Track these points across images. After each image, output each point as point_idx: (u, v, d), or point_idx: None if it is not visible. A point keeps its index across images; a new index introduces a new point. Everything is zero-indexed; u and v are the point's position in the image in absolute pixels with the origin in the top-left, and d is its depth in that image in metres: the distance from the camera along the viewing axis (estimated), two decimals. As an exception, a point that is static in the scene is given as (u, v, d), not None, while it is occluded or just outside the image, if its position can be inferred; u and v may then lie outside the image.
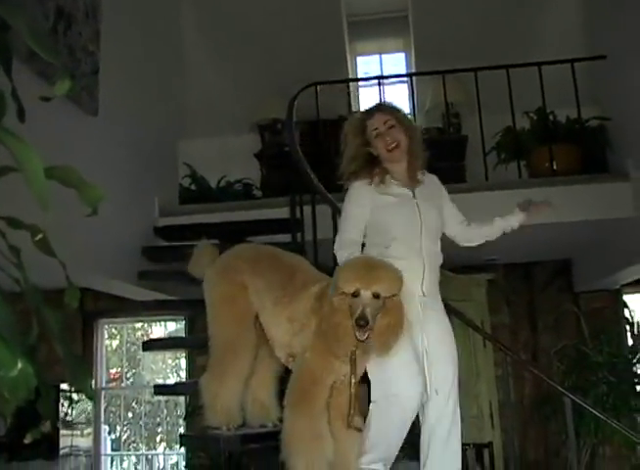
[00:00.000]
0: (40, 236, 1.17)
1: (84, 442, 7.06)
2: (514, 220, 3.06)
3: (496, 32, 6.59)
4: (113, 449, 7.62)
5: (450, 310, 3.10)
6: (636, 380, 5.61)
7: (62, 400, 6.67)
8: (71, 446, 6.80)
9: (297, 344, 2.56)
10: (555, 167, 5.33)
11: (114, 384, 7.77)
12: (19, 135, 1.07)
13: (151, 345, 4.08)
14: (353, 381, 2.52)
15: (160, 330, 8.07)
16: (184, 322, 7.34)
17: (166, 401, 7.71)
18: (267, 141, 6.69)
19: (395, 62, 7.80)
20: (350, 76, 7.26)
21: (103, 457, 7.41)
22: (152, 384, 4.16)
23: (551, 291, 6.74)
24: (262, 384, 2.87)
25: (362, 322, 2.30)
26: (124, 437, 7.74)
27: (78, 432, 6.99)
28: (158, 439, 7.79)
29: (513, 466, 4.33)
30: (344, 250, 2.76)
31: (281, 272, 2.71)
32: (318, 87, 5.47)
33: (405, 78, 6.92)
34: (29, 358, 1.04)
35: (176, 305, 4.87)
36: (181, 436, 3.20)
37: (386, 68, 7.70)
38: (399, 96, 7.11)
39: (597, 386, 5.51)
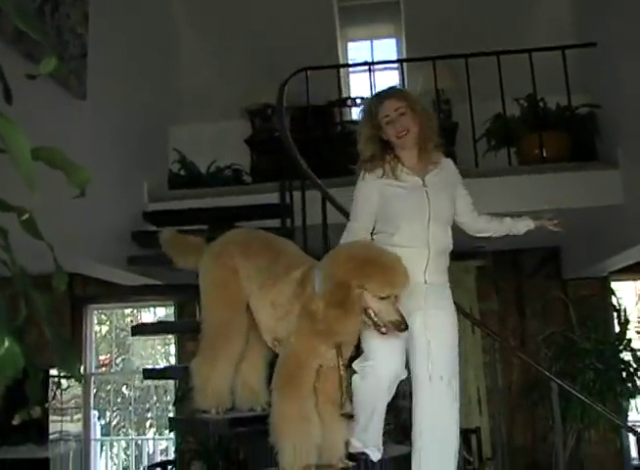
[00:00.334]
0: (26, 216, 1.16)
1: (74, 427, 7.06)
2: (523, 225, 3.08)
3: (487, 19, 6.58)
4: (102, 435, 7.64)
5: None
6: (622, 366, 5.65)
7: (51, 386, 6.67)
8: (61, 431, 6.80)
9: (282, 329, 2.56)
10: (545, 155, 5.34)
11: (103, 369, 7.77)
12: (5, 115, 1.07)
13: (140, 329, 4.08)
14: (342, 368, 2.55)
15: (149, 316, 8.06)
16: (173, 308, 7.34)
17: (156, 387, 7.73)
18: (257, 127, 6.67)
19: (386, 48, 7.78)
20: (341, 62, 7.23)
21: (92, 442, 7.42)
22: (141, 369, 4.18)
23: (539, 278, 6.78)
24: (252, 368, 2.88)
25: (403, 326, 2.38)
26: (114, 422, 7.76)
27: (68, 417, 6.99)
28: (147, 424, 7.81)
29: (500, 451, 4.37)
30: (349, 237, 2.84)
31: (268, 256, 2.71)
32: (308, 72, 5.46)
33: (396, 64, 6.90)
34: (17, 338, 1.03)
35: (166, 289, 4.87)
36: (170, 419, 3.20)
37: (376, 54, 7.67)
38: (390, 82, 7.09)
39: (584, 372, 5.56)
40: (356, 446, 2.72)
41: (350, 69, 7.40)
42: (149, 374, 3.73)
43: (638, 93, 4.80)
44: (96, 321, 7.82)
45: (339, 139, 6.08)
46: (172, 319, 7.31)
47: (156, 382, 7.65)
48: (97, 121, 4.46)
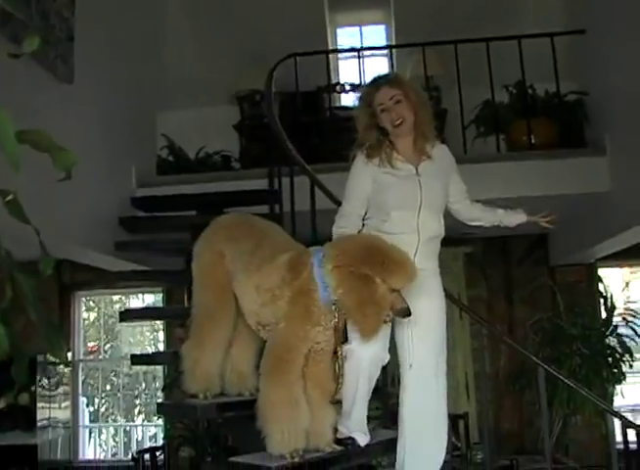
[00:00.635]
0: (11, 197, 1.16)
1: (62, 414, 7.06)
2: (516, 218, 3.10)
3: (477, 5, 6.56)
4: (91, 421, 7.64)
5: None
6: (609, 352, 5.70)
7: (39, 373, 6.66)
8: (49, 417, 6.80)
9: (268, 314, 2.56)
10: (533, 141, 5.36)
11: (91, 357, 7.76)
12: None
13: (128, 315, 4.06)
14: (339, 353, 2.57)
15: (137, 303, 8.04)
16: (162, 294, 7.34)
17: (145, 374, 7.72)
18: (246, 112, 6.65)
19: (376, 34, 7.75)
20: (330, 48, 7.20)
21: (81, 429, 7.43)
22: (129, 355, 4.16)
23: (527, 265, 6.81)
24: (242, 353, 2.88)
25: (409, 313, 2.42)
26: (102, 409, 7.75)
27: (56, 404, 6.99)
28: (136, 411, 7.81)
29: (487, 436, 4.41)
30: (341, 219, 2.88)
31: (252, 240, 2.71)
32: (297, 58, 5.44)
33: (385, 51, 6.88)
34: (2, 321, 1.03)
35: (154, 275, 4.85)
36: (159, 404, 3.20)
37: (365, 40, 7.64)
38: (379, 68, 7.07)
39: (571, 358, 5.60)
40: (342, 431, 2.74)
41: (339, 55, 7.38)
42: (137, 360, 3.73)
43: (626, 80, 4.81)
44: (84, 308, 7.80)
45: (327, 125, 6.07)
46: (161, 306, 7.31)
47: (144, 369, 7.65)
48: (84, 106, 4.42)
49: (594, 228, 5.48)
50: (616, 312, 5.99)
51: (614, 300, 6.06)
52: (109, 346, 7.94)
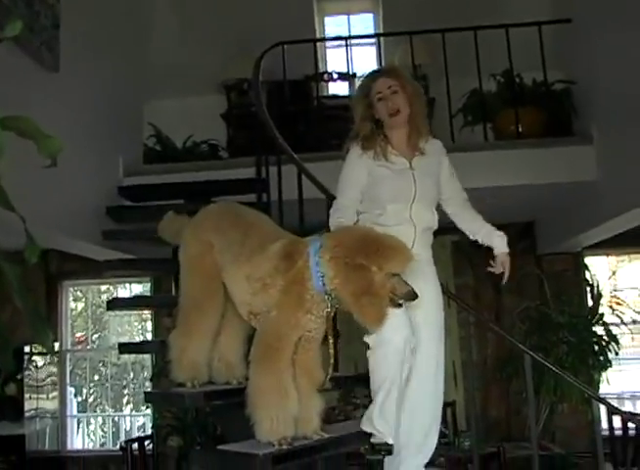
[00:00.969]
0: (-6, 181, 1.15)
1: (50, 404, 7.05)
2: (495, 242, 3.03)
3: (464, -6, 6.56)
4: (79, 411, 7.63)
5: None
6: (595, 340, 5.74)
7: (26, 363, 6.64)
8: (37, 408, 6.79)
9: (260, 303, 2.56)
10: (520, 130, 5.37)
11: (79, 347, 7.74)
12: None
13: (115, 303, 4.05)
14: (331, 341, 2.59)
15: (125, 293, 8.02)
16: (150, 284, 7.32)
17: (133, 364, 7.71)
18: (233, 101, 6.62)
19: (363, 23, 7.72)
20: (318, 37, 7.18)
21: (69, 419, 7.42)
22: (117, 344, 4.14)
23: (514, 253, 6.81)
24: (230, 342, 2.88)
25: (415, 295, 2.42)
26: (91, 399, 7.74)
27: (44, 394, 6.98)
28: (124, 401, 7.80)
29: (475, 424, 4.44)
30: (337, 213, 2.89)
31: (240, 229, 2.70)
32: (285, 47, 5.42)
33: (373, 39, 6.86)
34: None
35: (141, 264, 4.84)
36: (146, 393, 3.19)
37: (353, 29, 7.62)
38: (367, 57, 7.06)
39: (557, 346, 5.63)
40: (379, 432, 2.72)
41: (327, 43, 7.35)
42: (125, 349, 3.72)
43: (612, 69, 4.83)
44: (71, 298, 7.78)
45: (315, 114, 6.06)
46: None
47: (132, 358, 7.64)
48: (70, 94, 4.39)
49: (581, 217, 5.51)
50: (602, 300, 6.03)
51: (600, 288, 6.10)
52: (96, 336, 7.92)
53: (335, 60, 7.20)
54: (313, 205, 3.76)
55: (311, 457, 2.57)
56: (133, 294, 7.92)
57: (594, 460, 4.93)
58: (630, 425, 4.76)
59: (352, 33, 7.33)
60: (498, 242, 3.02)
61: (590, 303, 6.15)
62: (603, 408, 4.79)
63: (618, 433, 5.04)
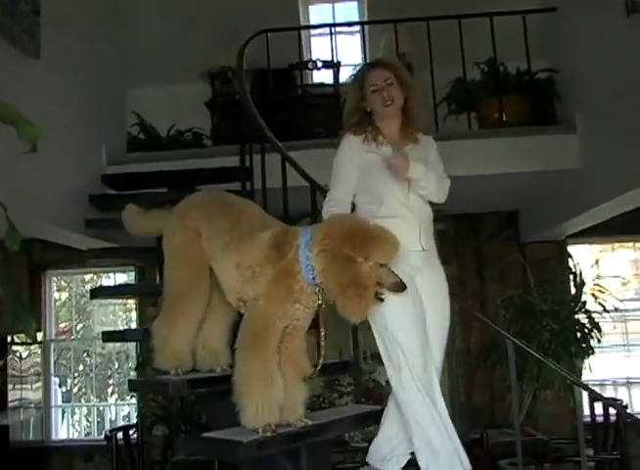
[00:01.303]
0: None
1: (34, 394, 7.03)
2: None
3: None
4: (63, 401, 7.60)
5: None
6: (577, 327, 5.78)
7: (10, 353, 6.61)
8: (21, 398, 6.76)
9: (249, 291, 2.56)
10: (504, 119, 5.39)
11: (63, 337, 7.70)
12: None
13: (99, 292, 4.03)
14: (323, 333, 2.58)
15: (109, 282, 7.98)
16: (134, 273, 7.29)
17: (117, 353, 7.69)
18: (218, 89, 6.58)
19: (348, 11, 7.70)
20: (302, 24, 7.15)
21: (53, 409, 7.39)
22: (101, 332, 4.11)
23: (498, 242, 6.87)
24: (214, 330, 2.87)
25: (403, 286, 2.41)
26: (75, 389, 7.72)
27: (28, 385, 6.95)
28: (109, 390, 7.79)
29: (459, 411, 4.47)
30: (330, 203, 2.88)
31: (228, 217, 2.69)
32: (269, 35, 5.39)
33: (357, 27, 6.85)
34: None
35: (125, 253, 4.82)
36: (130, 381, 3.19)
37: (338, 17, 7.59)
38: (352, 46, 7.05)
39: (541, 333, 5.67)
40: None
41: (312, 31, 7.32)
42: (108, 337, 3.70)
43: (595, 59, 4.85)
44: (55, 288, 7.73)
45: (299, 102, 6.04)
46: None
47: (117, 348, 7.63)
48: (52, 82, 4.35)
49: (564, 205, 5.54)
50: (585, 288, 6.07)
51: (583, 276, 6.14)
52: (81, 326, 7.89)
53: (319, 48, 7.18)
54: (297, 193, 3.76)
55: (295, 444, 2.58)
56: (117, 283, 7.89)
57: (576, 446, 4.98)
58: (612, 411, 4.81)
59: (337, 21, 7.31)
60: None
61: (573, 291, 6.19)
62: (585, 395, 4.83)
63: (600, 419, 5.09)
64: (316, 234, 2.45)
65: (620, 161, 4.46)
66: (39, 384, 7.13)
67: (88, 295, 7.34)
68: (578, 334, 5.74)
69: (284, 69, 6.38)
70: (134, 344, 7.03)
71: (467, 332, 6.65)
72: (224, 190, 3.28)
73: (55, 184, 4.27)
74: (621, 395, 6.90)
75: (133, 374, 7.05)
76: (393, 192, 2.81)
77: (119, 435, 5.06)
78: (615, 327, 7.01)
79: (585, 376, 5.90)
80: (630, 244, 7.39)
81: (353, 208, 2.95)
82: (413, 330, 2.70)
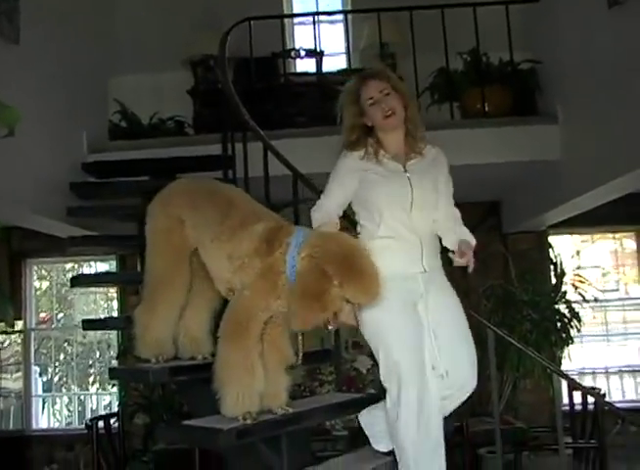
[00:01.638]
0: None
1: (14, 384, 6.99)
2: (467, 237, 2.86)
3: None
4: (44, 391, 7.57)
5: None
6: (557, 317, 5.83)
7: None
8: (0, 388, 6.72)
9: (237, 281, 2.56)
10: (486, 109, 5.41)
11: (44, 326, 7.66)
12: None
13: (80, 280, 4.01)
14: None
15: (90, 271, 7.95)
16: (115, 262, 7.26)
17: (99, 342, 7.66)
18: (200, 77, 6.53)
19: (331, 1, 7.66)
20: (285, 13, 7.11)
21: (34, 399, 7.36)
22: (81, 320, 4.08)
23: (480, 232, 6.81)
24: (196, 318, 2.87)
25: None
26: (56, 378, 7.68)
27: (8, 374, 6.91)
28: (90, 380, 7.76)
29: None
30: (318, 213, 2.78)
31: (218, 207, 2.67)
32: (252, 23, 5.37)
33: (341, 17, 6.83)
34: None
35: (106, 241, 4.79)
36: (111, 369, 3.18)
37: (322, 6, 7.55)
38: (335, 35, 7.02)
39: (521, 323, 5.71)
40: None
41: (295, 20, 7.28)
42: (89, 325, 3.68)
43: (577, 50, 4.87)
44: (36, 277, 7.68)
45: (282, 91, 6.02)
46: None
47: (98, 337, 7.59)
48: (31, 67, 4.30)
49: (545, 196, 5.57)
50: (565, 279, 6.12)
51: (563, 267, 6.19)
52: (62, 315, 7.85)
53: (302, 37, 7.14)
54: (279, 182, 3.75)
55: (275, 432, 2.59)
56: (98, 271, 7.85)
57: (554, 434, 5.04)
58: (590, 399, 4.86)
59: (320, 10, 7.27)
60: (469, 235, 2.86)
61: (554, 281, 6.23)
62: (564, 384, 4.88)
63: (578, 408, 5.15)
64: (310, 239, 2.44)
65: (601, 152, 4.50)
66: (19, 373, 7.09)
67: (69, 283, 7.32)
68: (558, 324, 5.80)
69: (267, 57, 6.35)
70: (115, 332, 7.00)
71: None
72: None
73: (34, 171, 4.23)
74: (600, 384, 6.98)
75: (115, 363, 7.03)
76: (393, 209, 2.68)
77: (100, 424, 5.06)
78: (594, 317, 7.08)
79: (565, 365, 5.96)
80: (611, 235, 7.46)
81: (354, 223, 2.89)
82: (412, 361, 2.60)
